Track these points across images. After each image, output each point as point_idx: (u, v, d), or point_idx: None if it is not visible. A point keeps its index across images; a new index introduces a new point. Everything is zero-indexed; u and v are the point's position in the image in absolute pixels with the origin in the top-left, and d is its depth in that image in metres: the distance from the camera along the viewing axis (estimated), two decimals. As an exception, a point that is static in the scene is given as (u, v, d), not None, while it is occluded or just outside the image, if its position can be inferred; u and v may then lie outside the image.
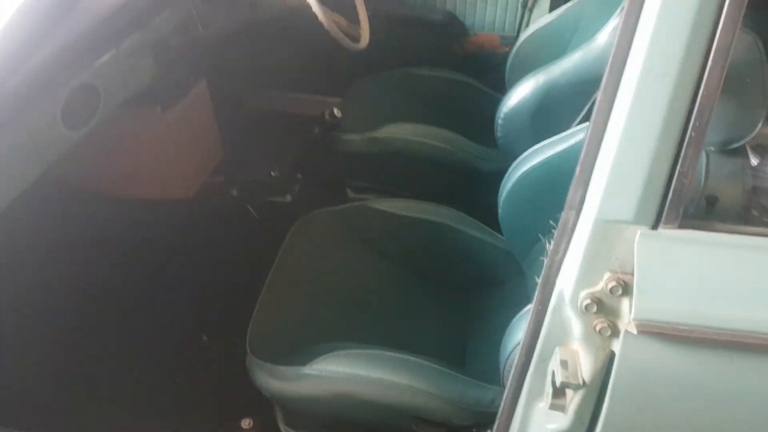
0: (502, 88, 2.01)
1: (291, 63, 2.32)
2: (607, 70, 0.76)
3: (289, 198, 1.87)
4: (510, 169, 1.32)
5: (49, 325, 1.43)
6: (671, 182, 0.76)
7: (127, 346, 1.54)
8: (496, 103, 1.72)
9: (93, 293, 1.56)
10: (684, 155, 0.74)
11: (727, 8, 0.68)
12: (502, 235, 1.42)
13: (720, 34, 0.69)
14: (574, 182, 0.83)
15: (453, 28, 2.39)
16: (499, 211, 1.37)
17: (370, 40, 2.10)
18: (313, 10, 1.72)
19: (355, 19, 2.06)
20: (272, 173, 1.86)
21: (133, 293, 1.62)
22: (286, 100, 2.42)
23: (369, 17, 2.26)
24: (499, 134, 1.72)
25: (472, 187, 1.92)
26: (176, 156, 1.77)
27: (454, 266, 1.54)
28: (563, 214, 0.85)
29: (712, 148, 0.92)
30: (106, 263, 1.60)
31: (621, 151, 0.76)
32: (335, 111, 1.71)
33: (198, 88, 1.87)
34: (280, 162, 1.88)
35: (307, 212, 1.65)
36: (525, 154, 1.29)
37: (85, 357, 1.47)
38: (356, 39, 2.00)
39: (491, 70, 2.33)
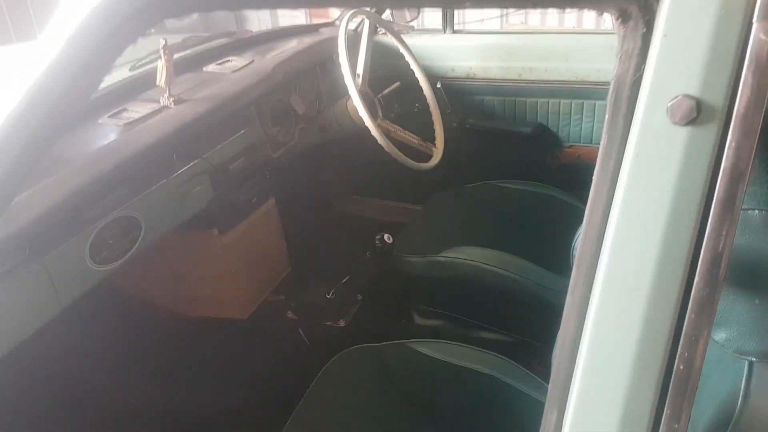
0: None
1: (373, 171, 2.29)
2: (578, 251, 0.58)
3: (342, 323, 1.77)
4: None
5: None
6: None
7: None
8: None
9: (132, 403, 1.55)
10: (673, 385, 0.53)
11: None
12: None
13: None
14: (548, 396, 0.64)
15: (545, 139, 2.22)
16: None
17: (454, 149, 2.01)
18: (373, 134, 1.67)
19: (431, 136, 1.99)
20: (327, 295, 1.79)
21: (172, 408, 1.58)
22: (369, 206, 2.38)
23: (452, 129, 2.19)
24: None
25: (544, 321, 1.69)
26: (232, 278, 1.76)
27: (499, 429, 1.32)
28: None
29: (754, 358, 0.66)
30: (147, 374, 1.61)
31: (588, 371, 0.57)
32: (386, 237, 1.61)
33: (265, 206, 1.88)
34: (337, 283, 1.80)
35: (360, 339, 1.54)
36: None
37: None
38: (428, 157, 1.92)
39: (590, 183, 2.11)
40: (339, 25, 1.84)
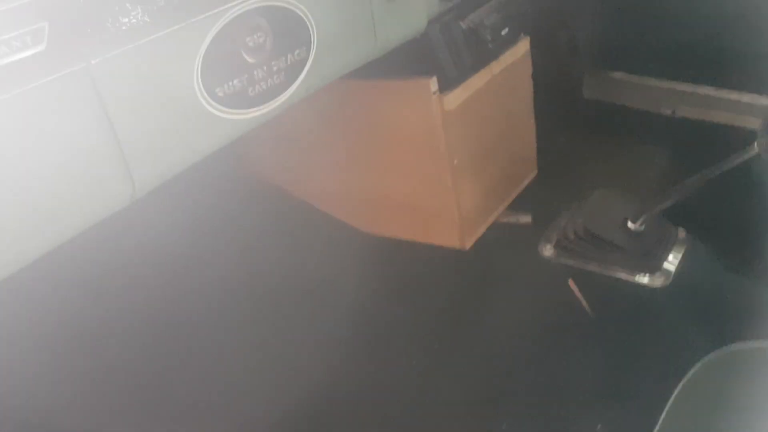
0: None
1: (706, 25, 1.33)
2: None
3: (660, 280, 0.92)
4: None
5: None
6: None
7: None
8: None
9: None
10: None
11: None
12: None
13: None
14: None
15: None
16: None
17: None
18: None
19: None
20: (631, 225, 0.94)
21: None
22: (678, 96, 1.45)
23: None
24: None
25: None
26: (452, 175, 0.97)
27: None
28: None
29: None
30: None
31: None
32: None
33: (515, 50, 1.03)
34: (649, 206, 0.94)
35: (693, 311, 0.76)
36: None
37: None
38: None
39: None
40: None
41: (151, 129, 0.53)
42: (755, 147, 0.79)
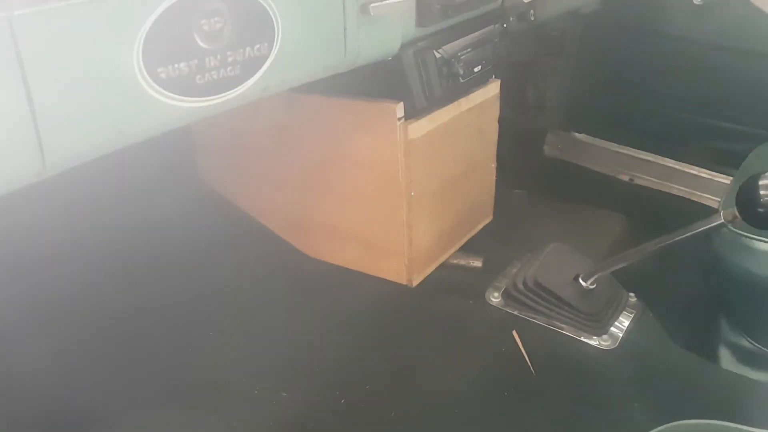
0: None
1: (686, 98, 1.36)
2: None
3: (607, 343, 0.89)
4: None
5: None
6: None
7: None
8: None
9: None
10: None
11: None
12: None
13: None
14: None
15: None
16: None
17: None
18: None
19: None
20: (582, 283, 0.91)
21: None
22: (637, 164, 1.47)
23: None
24: None
25: None
26: (407, 206, 0.93)
27: None
28: None
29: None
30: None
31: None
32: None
33: (485, 91, 1.01)
34: (603, 265, 0.92)
35: (641, 377, 0.75)
36: None
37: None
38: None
39: None
40: None
41: (74, 100, 0.46)
42: (721, 217, 0.77)
